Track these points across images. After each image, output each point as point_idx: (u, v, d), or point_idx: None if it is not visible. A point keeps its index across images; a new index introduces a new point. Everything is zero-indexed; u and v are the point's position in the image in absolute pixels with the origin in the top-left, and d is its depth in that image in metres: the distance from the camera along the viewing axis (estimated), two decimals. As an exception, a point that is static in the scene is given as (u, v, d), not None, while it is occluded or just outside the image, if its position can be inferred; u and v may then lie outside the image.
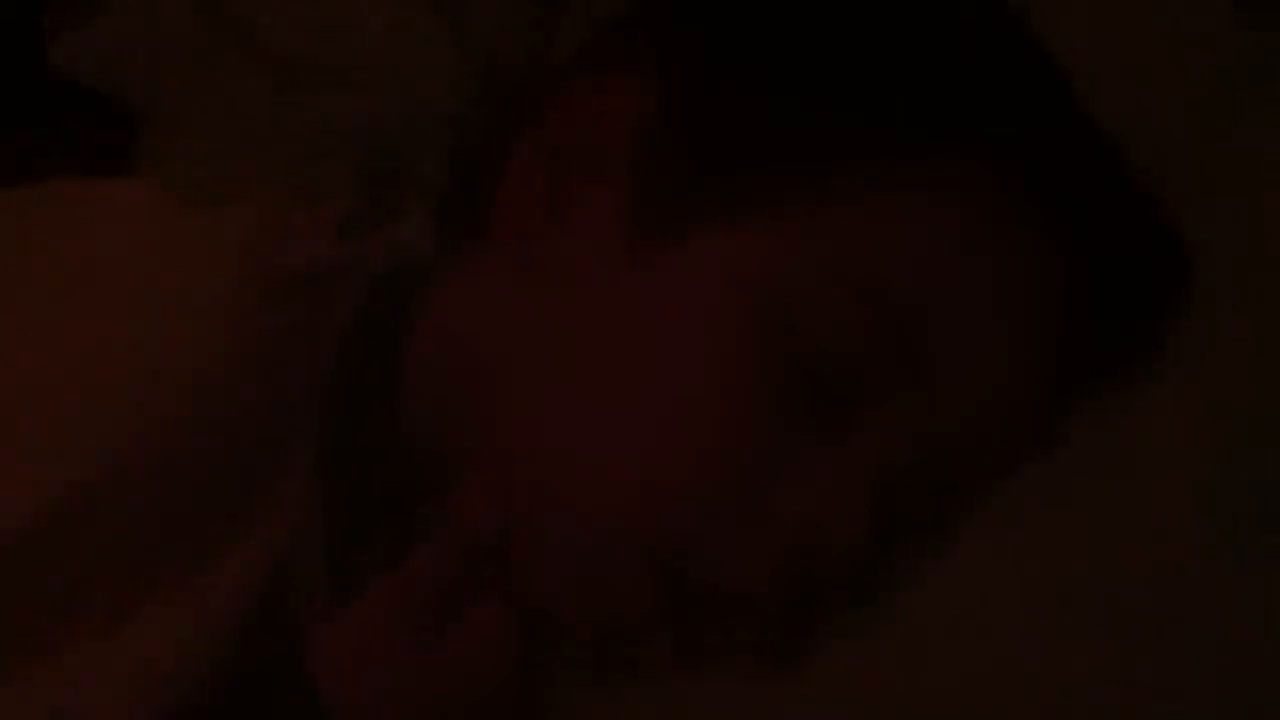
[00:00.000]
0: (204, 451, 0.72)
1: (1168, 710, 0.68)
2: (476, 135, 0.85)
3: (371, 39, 0.89)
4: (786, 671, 0.74)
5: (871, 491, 0.73)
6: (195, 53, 0.90)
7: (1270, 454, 0.73)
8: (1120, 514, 0.74)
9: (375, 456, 0.77)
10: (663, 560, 0.73)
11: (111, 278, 0.74)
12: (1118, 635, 0.70)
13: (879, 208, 0.75)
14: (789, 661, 0.74)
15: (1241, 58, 0.83)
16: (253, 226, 0.76)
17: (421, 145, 0.86)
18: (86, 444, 0.71)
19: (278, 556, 0.75)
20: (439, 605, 0.74)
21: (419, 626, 0.73)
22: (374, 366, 0.78)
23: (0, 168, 0.83)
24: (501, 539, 0.75)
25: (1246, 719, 0.68)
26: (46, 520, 0.70)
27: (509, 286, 0.78)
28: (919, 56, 0.77)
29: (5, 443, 0.71)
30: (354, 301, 0.77)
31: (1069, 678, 0.70)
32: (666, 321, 0.75)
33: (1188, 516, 0.72)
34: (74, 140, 0.93)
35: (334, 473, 0.76)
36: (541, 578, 0.75)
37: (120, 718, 0.71)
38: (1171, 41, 0.84)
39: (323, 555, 0.76)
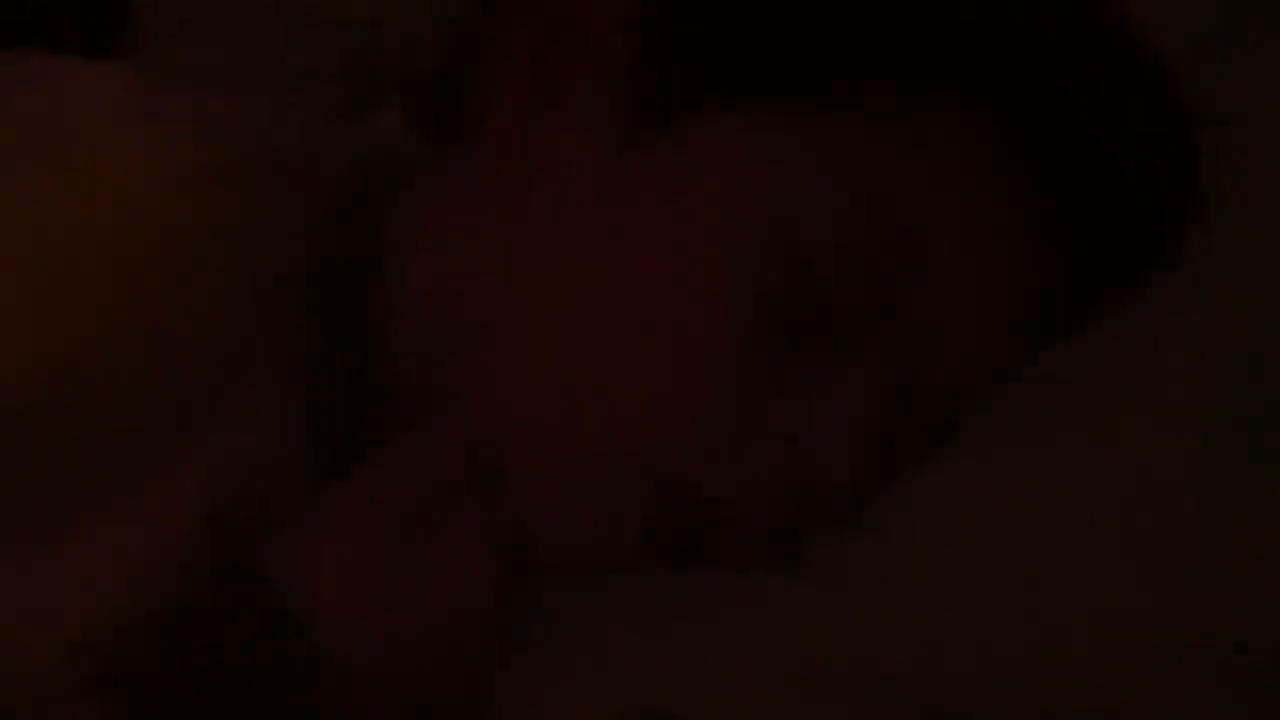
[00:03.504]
0: (158, 339, 0.69)
1: (1161, 624, 0.66)
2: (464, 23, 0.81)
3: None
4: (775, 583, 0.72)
5: (868, 414, 0.72)
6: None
7: (1268, 375, 0.71)
8: (1116, 434, 0.72)
9: (353, 359, 0.75)
10: (657, 480, 0.71)
11: (64, 156, 0.70)
12: (1113, 552, 0.68)
13: (884, 120, 0.72)
14: (784, 570, 0.72)
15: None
16: (216, 108, 0.72)
17: (411, 34, 0.84)
18: (32, 329, 0.67)
19: (246, 460, 0.71)
20: (419, 515, 0.71)
21: (398, 536, 0.70)
22: (350, 259, 0.75)
23: None
24: (489, 454, 0.72)
25: (1243, 633, 0.66)
26: None
27: (492, 183, 0.74)
28: None
29: None
30: (327, 188, 0.74)
31: (1062, 595, 0.68)
32: (659, 225, 0.72)
33: (1186, 436, 0.70)
34: (67, 19, 0.92)
35: (310, 374, 0.73)
36: (533, 497, 0.72)
37: (72, 620, 0.67)
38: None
39: (293, 460, 0.73)
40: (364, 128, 0.80)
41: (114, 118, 0.71)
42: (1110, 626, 0.67)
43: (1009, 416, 0.74)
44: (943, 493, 0.72)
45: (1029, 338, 0.75)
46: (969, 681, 0.67)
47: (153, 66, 0.84)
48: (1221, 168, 0.76)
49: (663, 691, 0.69)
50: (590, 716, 0.69)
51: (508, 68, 0.74)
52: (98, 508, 0.67)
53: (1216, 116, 0.77)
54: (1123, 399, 0.73)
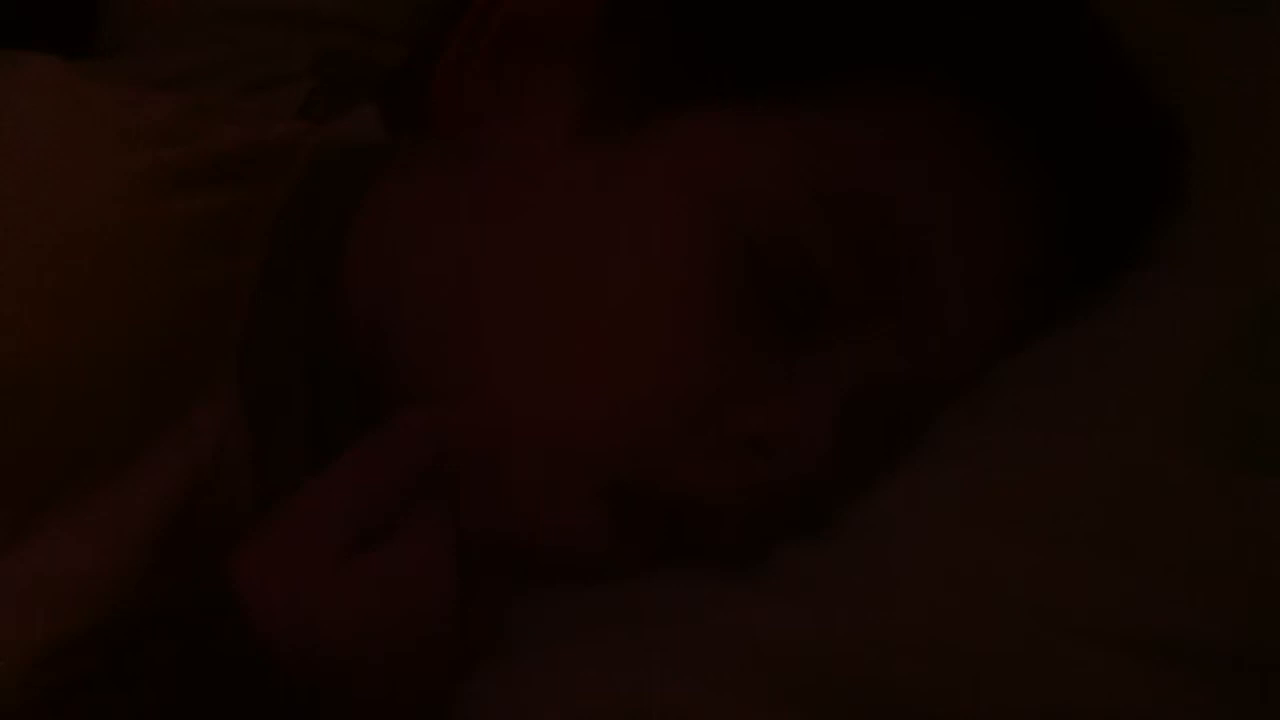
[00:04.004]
0: (110, 344, 0.67)
1: (1140, 623, 0.65)
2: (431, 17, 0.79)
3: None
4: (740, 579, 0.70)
5: (836, 412, 0.70)
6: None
7: (1253, 367, 0.69)
8: (1097, 433, 0.70)
9: (311, 359, 0.72)
10: (623, 477, 0.69)
11: (22, 155, 0.68)
12: (1091, 556, 0.66)
13: (858, 114, 0.71)
14: (751, 566, 0.70)
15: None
16: (172, 107, 0.71)
17: (382, 33, 0.83)
18: None
19: (205, 467, 0.69)
20: (373, 518, 0.69)
21: (354, 541, 0.68)
22: (311, 262, 0.73)
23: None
24: (447, 454, 0.70)
25: (1228, 633, 0.65)
26: None
27: (451, 182, 0.73)
28: None
29: None
30: (290, 190, 0.72)
31: (1039, 599, 0.66)
32: (626, 222, 0.71)
33: (1169, 434, 0.68)
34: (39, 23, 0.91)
35: (264, 378, 0.71)
36: (499, 495, 0.70)
37: (25, 635, 0.65)
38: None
39: (250, 467, 0.70)
40: (337, 126, 0.78)
41: (75, 118, 0.70)
42: (1087, 632, 0.65)
43: (989, 416, 0.72)
44: (920, 494, 0.70)
45: (1015, 331, 0.73)
46: (941, 689, 0.65)
47: (123, 68, 0.83)
48: (1205, 160, 0.75)
49: (627, 698, 0.68)
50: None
51: (472, 64, 0.72)
52: (47, 519, 0.65)
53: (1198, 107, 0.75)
54: (1104, 397, 0.71)
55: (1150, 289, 0.73)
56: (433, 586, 0.68)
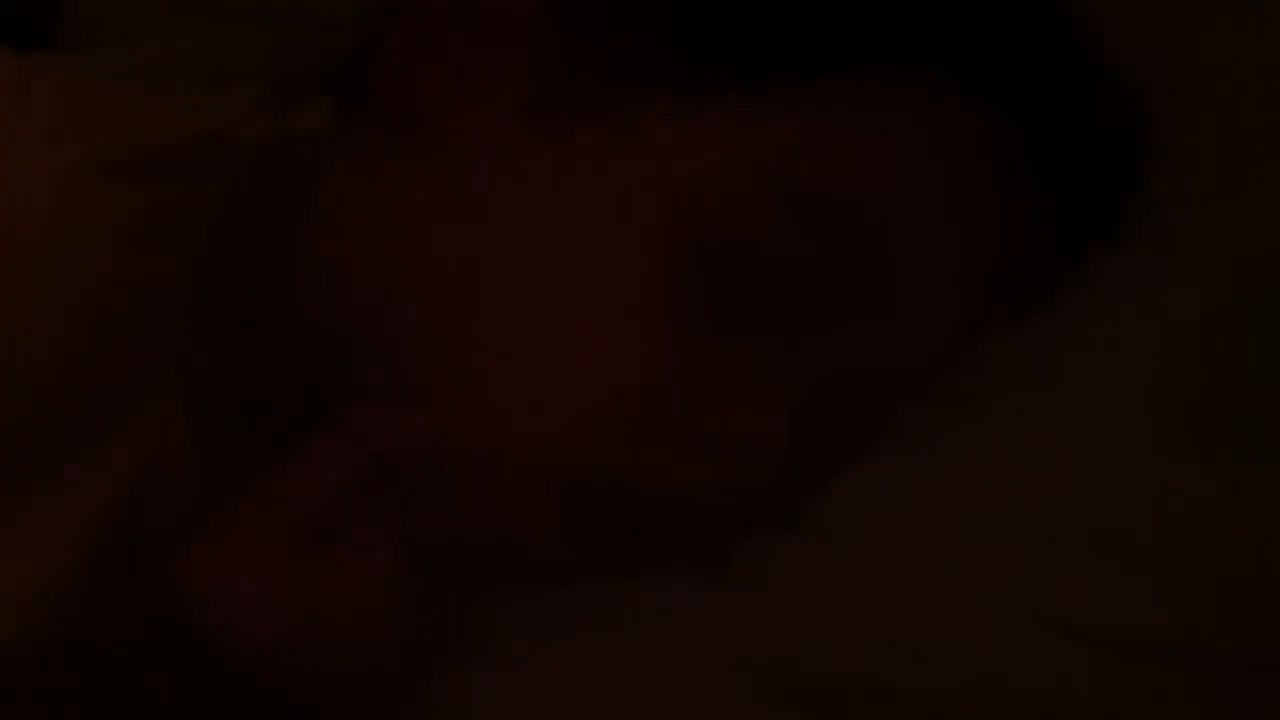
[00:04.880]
0: (40, 343, 0.65)
1: (1135, 622, 0.64)
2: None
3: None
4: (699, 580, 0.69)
5: (796, 409, 0.69)
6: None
7: (1221, 357, 0.69)
8: (1092, 425, 0.69)
9: (257, 356, 0.71)
10: (577, 478, 0.69)
11: None
12: (1061, 551, 0.66)
13: (802, 106, 0.70)
14: (715, 565, 0.69)
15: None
16: (113, 98, 0.70)
17: (337, 25, 0.82)
18: None
19: (140, 470, 0.68)
20: (325, 518, 0.68)
21: (302, 545, 0.67)
22: (257, 256, 0.71)
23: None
24: (401, 453, 0.69)
25: (1227, 631, 0.64)
26: None
27: (401, 174, 0.72)
28: None
29: None
30: (235, 183, 0.70)
31: (1033, 590, 0.65)
32: (572, 217, 0.70)
33: (1164, 427, 0.68)
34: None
35: (207, 376, 0.69)
36: (449, 496, 0.69)
37: None
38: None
39: (194, 467, 0.69)
40: (291, 119, 0.77)
41: (11, 108, 0.69)
42: (1080, 630, 0.64)
43: (976, 411, 0.71)
44: (904, 491, 0.70)
45: (984, 321, 0.72)
46: (926, 688, 0.64)
47: (77, 63, 0.82)
48: (1198, 155, 0.74)
49: (597, 699, 0.67)
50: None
51: (419, 52, 0.71)
52: None
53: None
54: (1096, 392, 0.70)
55: (1142, 281, 0.72)
56: (381, 590, 0.67)
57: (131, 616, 0.65)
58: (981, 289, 0.72)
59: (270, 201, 0.72)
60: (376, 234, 0.72)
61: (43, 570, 0.65)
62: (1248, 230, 0.72)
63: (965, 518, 0.68)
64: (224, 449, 0.69)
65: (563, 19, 0.71)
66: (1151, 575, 0.65)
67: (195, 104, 0.73)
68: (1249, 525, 0.65)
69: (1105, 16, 0.76)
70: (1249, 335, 0.69)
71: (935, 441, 0.70)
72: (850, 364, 0.70)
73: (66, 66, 0.78)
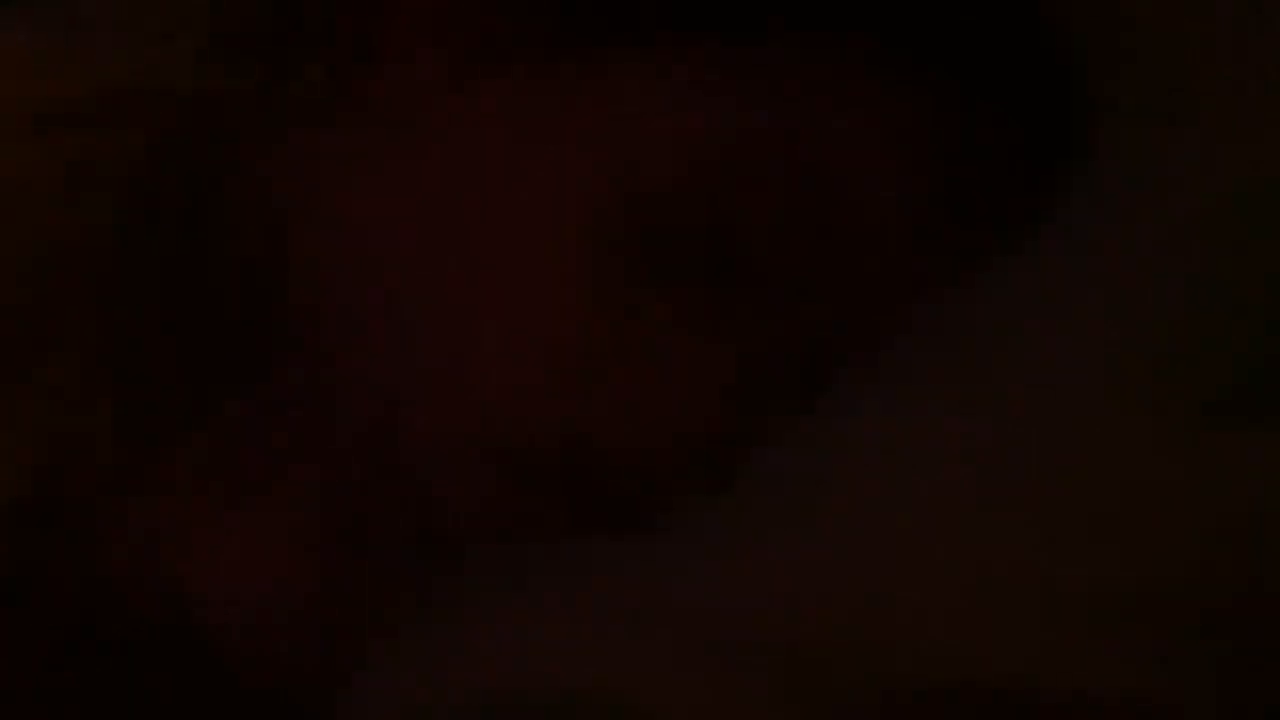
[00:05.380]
0: None
1: (1083, 575, 0.63)
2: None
3: None
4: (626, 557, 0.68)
5: (725, 382, 0.69)
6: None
7: (1176, 320, 0.67)
8: (1047, 383, 0.68)
9: (182, 312, 0.71)
10: (513, 436, 0.69)
11: None
12: (1015, 513, 0.65)
13: (720, 74, 0.70)
14: (630, 548, 0.68)
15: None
16: (30, 50, 0.70)
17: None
18: None
19: (59, 430, 0.68)
20: (245, 507, 0.68)
21: (223, 528, 0.68)
22: (184, 211, 0.71)
23: None
24: (318, 434, 0.69)
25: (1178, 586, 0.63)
26: None
27: (331, 132, 0.71)
28: None
29: None
30: (157, 138, 0.70)
31: (936, 577, 0.64)
32: (512, 168, 0.70)
33: (1123, 385, 0.67)
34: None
35: (129, 334, 0.69)
36: (363, 475, 0.70)
37: None
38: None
39: (115, 430, 0.69)
40: (228, 73, 0.77)
41: None
42: (1022, 590, 0.63)
43: (929, 370, 0.70)
44: (826, 451, 0.69)
45: (923, 274, 0.72)
46: (867, 645, 0.64)
47: (18, 15, 0.82)
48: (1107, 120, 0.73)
49: (518, 681, 0.67)
50: (444, 712, 0.67)
51: (355, 15, 0.72)
52: None
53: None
54: (1052, 350, 0.69)
55: (1089, 245, 0.71)
56: (300, 581, 0.68)
57: (52, 582, 0.66)
58: (903, 255, 0.72)
59: (196, 155, 0.71)
60: (302, 191, 0.71)
61: None
62: (1193, 192, 0.71)
63: (913, 479, 0.67)
64: (148, 407, 0.69)
65: (475, 4, 0.71)
66: (1105, 528, 0.64)
67: (121, 55, 0.73)
68: (1206, 482, 0.65)
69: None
70: (1203, 295, 0.68)
71: (880, 405, 0.70)
72: (775, 337, 0.70)
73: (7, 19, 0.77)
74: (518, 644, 0.67)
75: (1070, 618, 0.62)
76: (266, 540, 0.67)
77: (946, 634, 0.62)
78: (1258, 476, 0.63)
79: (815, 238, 0.70)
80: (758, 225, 0.69)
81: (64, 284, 0.68)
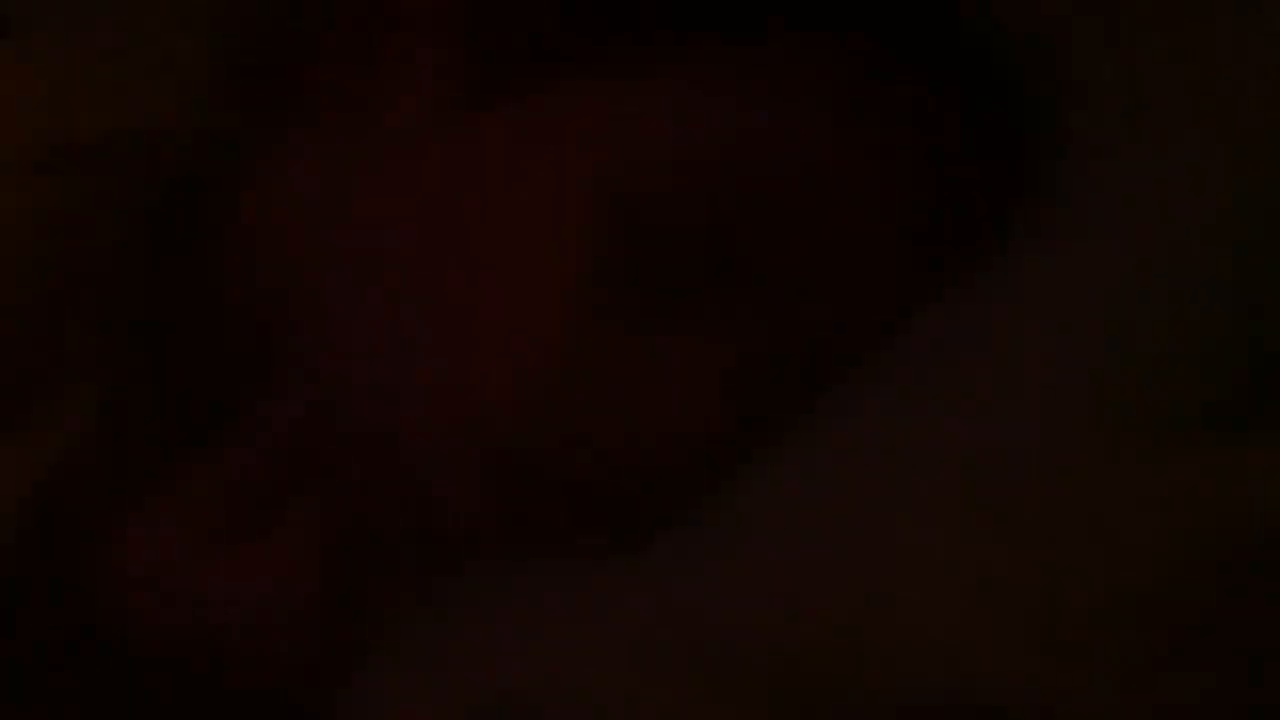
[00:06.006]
0: None
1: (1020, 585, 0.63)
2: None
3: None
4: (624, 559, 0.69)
5: (723, 384, 0.69)
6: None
7: (1154, 340, 0.67)
8: (999, 398, 0.68)
9: (185, 347, 0.72)
10: (495, 455, 0.69)
11: None
12: (977, 530, 0.65)
13: (718, 75, 0.71)
14: (628, 550, 0.69)
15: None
16: (36, 90, 0.71)
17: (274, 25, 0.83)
18: None
19: (56, 462, 0.69)
20: (249, 510, 0.70)
21: (226, 533, 0.69)
22: (183, 249, 0.72)
23: None
24: (320, 440, 0.70)
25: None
26: None
27: (331, 162, 0.73)
28: None
29: None
30: (158, 178, 0.71)
31: (932, 583, 0.64)
32: (496, 192, 0.70)
33: (1063, 403, 0.67)
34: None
35: (127, 369, 0.71)
36: (364, 479, 0.71)
37: None
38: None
39: (115, 461, 0.70)
40: (224, 114, 0.78)
41: None
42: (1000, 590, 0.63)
43: (886, 387, 0.70)
44: (809, 471, 0.69)
45: (910, 287, 0.72)
46: (830, 672, 0.64)
47: (8, 49, 0.83)
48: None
49: (517, 681, 0.67)
50: (443, 713, 0.67)
51: (339, 47, 0.73)
52: None
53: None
54: (1004, 368, 0.69)
55: (1063, 257, 0.71)
56: (300, 583, 0.69)
57: (45, 605, 0.66)
58: (901, 256, 0.72)
59: (194, 195, 0.73)
60: (296, 222, 0.73)
61: None
62: (1160, 210, 0.71)
63: (896, 499, 0.67)
64: (141, 440, 0.71)
65: (473, 12, 0.72)
66: (1061, 546, 0.64)
67: (123, 97, 0.74)
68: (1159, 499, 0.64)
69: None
70: (1197, 303, 0.68)
71: (864, 422, 0.70)
72: (773, 338, 0.70)
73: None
74: (517, 644, 0.68)
75: (1063, 623, 0.62)
76: (268, 543, 0.68)
77: (944, 637, 0.63)
78: (1249, 483, 0.62)
79: (811, 238, 0.70)
80: (755, 226, 0.69)
81: (70, 317, 0.69)
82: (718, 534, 0.69)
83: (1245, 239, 0.68)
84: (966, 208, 0.72)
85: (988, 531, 0.64)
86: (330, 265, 0.71)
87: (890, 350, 0.71)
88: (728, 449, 0.69)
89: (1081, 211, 0.72)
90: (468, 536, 0.70)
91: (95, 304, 0.70)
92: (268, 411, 0.71)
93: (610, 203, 0.69)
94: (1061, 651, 0.61)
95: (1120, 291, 0.69)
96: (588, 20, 0.71)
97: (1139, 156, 0.72)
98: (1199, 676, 0.60)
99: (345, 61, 0.72)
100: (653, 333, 0.69)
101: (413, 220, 0.71)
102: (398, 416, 0.70)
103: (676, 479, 0.69)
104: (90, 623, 0.67)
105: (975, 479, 0.66)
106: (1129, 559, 0.62)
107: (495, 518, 0.70)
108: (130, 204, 0.70)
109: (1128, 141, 0.73)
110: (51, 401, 0.69)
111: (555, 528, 0.70)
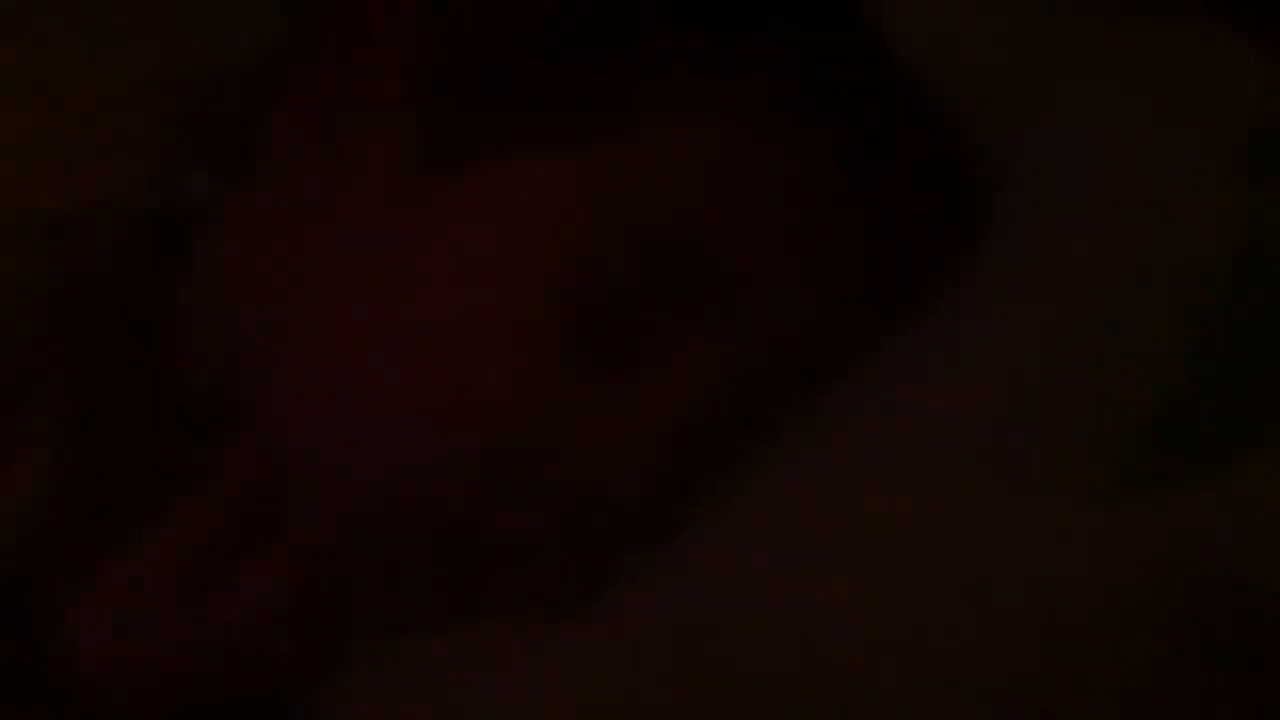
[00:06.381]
0: None
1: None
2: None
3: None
4: (572, 622, 0.72)
5: (665, 439, 0.71)
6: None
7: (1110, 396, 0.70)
8: (932, 442, 0.71)
9: (143, 411, 0.75)
10: (446, 515, 0.71)
11: None
12: (926, 589, 0.67)
13: (658, 139, 0.73)
14: (576, 611, 0.71)
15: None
16: (24, 166, 0.73)
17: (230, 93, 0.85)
18: None
19: (14, 517, 0.71)
20: (208, 565, 0.71)
21: (185, 589, 0.70)
22: (142, 317, 0.75)
23: None
24: (273, 496, 0.72)
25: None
26: None
27: (285, 230, 0.75)
28: None
29: None
30: (122, 249, 0.74)
31: (887, 634, 0.67)
32: (443, 261, 0.73)
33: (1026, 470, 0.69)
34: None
35: (90, 431, 0.73)
36: (317, 534, 0.72)
37: None
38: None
39: (74, 521, 0.72)
40: (181, 185, 0.80)
41: None
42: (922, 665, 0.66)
43: (822, 436, 0.73)
44: (748, 526, 0.72)
45: (844, 339, 0.75)
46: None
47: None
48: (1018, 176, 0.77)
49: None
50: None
51: (292, 123, 0.75)
52: None
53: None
54: (941, 411, 0.72)
55: (995, 305, 0.75)
56: (260, 640, 0.71)
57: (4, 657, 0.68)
58: (836, 307, 0.75)
59: (154, 266, 0.75)
60: (248, 284, 0.75)
61: None
62: (1098, 268, 0.74)
63: (830, 555, 0.69)
64: (96, 504, 0.73)
65: (428, 87, 0.75)
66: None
67: (89, 170, 0.77)
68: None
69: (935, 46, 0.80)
70: (1107, 365, 0.71)
71: (801, 472, 0.73)
72: (716, 394, 0.72)
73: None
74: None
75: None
76: (236, 593, 0.70)
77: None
78: (1169, 539, 0.65)
79: (757, 288, 0.73)
80: (704, 279, 0.72)
81: (29, 383, 0.72)
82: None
83: (1148, 310, 0.71)
84: (913, 261, 0.75)
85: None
86: (284, 331, 0.74)
87: (825, 405, 0.74)
88: (670, 505, 0.72)
89: (998, 278, 0.76)
90: (420, 592, 0.72)
91: (54, 372, 0.72)
92: (222, 464, 0.72)
93: (557, 273, 0.72)
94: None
95: (1035, 355, 0.72)
96: (542, 89, 0.74)
97: (1053, 228, 0.76)
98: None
99: (304, 127, 0.75)
100: (593, 399, 0.72)
101: (372, 287, 0.73)
102: (343, 476, 0.71)
103: (622, 535, 0.72)
104: (49, 676, 0.69)
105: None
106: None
107: (444, 586, 0.72)
108: (96, 270, 0.73)
109: (1045, 211, 0.77)
110: (4, 467, 0.71)
111: (502, 596, 0.72)
